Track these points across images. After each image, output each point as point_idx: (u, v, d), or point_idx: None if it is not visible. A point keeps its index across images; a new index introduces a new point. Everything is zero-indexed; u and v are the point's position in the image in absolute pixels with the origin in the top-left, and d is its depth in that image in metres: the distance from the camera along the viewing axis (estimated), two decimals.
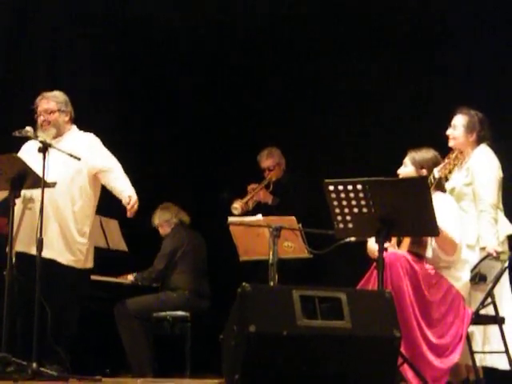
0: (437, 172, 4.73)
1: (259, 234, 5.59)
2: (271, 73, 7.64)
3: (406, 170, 4.92)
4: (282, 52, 7.57)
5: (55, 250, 5.26)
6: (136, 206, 5.38)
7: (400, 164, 5.02)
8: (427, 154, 4.91)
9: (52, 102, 5.49)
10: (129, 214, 5.42)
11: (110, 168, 5.48)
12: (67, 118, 5.53)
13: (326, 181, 4.39)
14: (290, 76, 7.56)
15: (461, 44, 6.56)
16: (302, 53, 7.48)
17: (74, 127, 5.58)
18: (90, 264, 5.48)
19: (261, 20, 7.30)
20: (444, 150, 5.16)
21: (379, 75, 7.04)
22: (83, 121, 5.67)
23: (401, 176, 4.93)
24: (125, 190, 5.42)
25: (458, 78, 6.51)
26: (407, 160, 4.95)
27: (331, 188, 4.37)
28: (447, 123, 5.43)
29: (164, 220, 6.95)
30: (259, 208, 6.77)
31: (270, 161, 6.95)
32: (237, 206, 6.72)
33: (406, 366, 4.34)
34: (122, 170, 5.50)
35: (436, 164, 4.83)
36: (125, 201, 5.39)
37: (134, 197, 5.39)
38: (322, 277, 6.60)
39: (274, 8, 7.19)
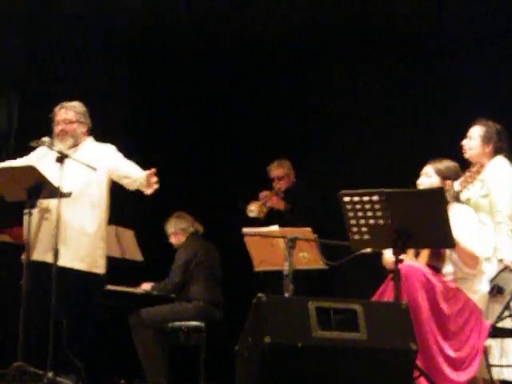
0: (457, 185, 4.69)
1: (274, 244, 5.59)
2: (284, 84, 7.66)
3: (431, 180, 4.85)
4: (293, 62, 7.58)
5: (76, 258, 5.28)
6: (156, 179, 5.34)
7: (413, 174, 4.99)
8: (451, 165, 4.86)
9: (71, 112, 5.52)
10: (152, 187, 5.33)
11: (123, 162, 5.51)
12: (84, 130, 5.57)
13: (342, 192, 4.38)
14: (302, 87, 7.57)
15: (473, 54, 6.58)
16: (313, 63, 7.50)
17: (91, 138, 5.61)
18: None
19: (274, 29, 7.31)
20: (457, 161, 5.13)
21: (391, 85, 7.08)
22: (96, 130, 5.70)
23: (423, 186, 4.86)
24: (140, 170, 5.41)
25: (471, 89, 6.52)
26: (431, 171, 4.88)
27: (347, 199, 4.35)
28: (461, 135, 5.41)
29: (180, 228, 6.93)
30: (272, 214, 6.77)
31: (279, 170, 6.98)
32: (252, 208, 6.71)
33: (422, 379, 4.30)
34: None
35: (457, 175, 4.79)
36: (143, 174, 5.33)
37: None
38: (337, 288, 6.58)
39: (287, 19, 7.20)
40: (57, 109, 5.55)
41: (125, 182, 5.47)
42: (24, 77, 6.55)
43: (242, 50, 7.53)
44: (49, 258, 5.12)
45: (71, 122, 5.51)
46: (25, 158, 5.53)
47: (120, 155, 5.55)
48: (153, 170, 5.31)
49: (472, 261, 4.61)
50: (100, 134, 5.70)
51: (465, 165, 5.02)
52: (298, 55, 7.54)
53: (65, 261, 5.11)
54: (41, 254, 5.25)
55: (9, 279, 5.67)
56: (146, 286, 6.79)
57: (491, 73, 6.46)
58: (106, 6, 6.95)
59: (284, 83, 7.67)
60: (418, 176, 4.98)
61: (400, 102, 7.10)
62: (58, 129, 5.50)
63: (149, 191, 5.34)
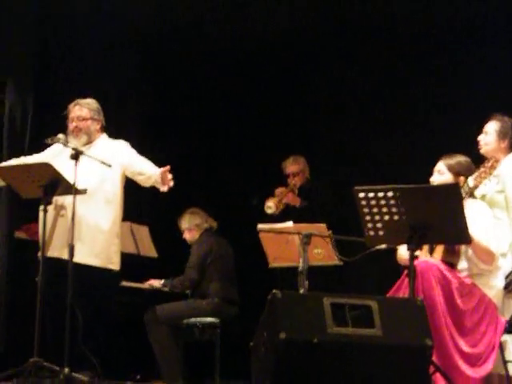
0: (472, 181, 4.67)
1: (289, 240, 5.59)
2: (298, 81, 7.66)
3: (443, 177, 4.82)
4: (307, 60, 7.59)
5: (91, 254, 5.30)
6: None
7: (426, 170, 4.99)
8: (462, 160, 4.84)
9: (85, 109, 5.55)
10: (167, 184, 5.33)
11: (137, 158, 5.52)
12: (98, 127, 5.60)
13: (357, 188, 4.37)
14: (316, 83, 7.58)
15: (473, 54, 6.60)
16: (327, 60, 7.50)
17: (104, 135, 5.64)
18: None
19: (288, 29, 7.32)
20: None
21: (405, 83, 7.08)
22: (111, 127, 5.73)
23: (436, 183, 4.84)
24: (154, 167, 5.41)
25: (472, 89, 6.54)
26: (443, 167, 4.85)
27: (361, 195, 4.35)
28: (475, 131, 5.41)
29: (195, 224, 6.93)
30: (287, 210, 6.76)
31: (295, 167, 6.96)
32: (270, 204, 6.68)
33: (438, 375, 4.30)
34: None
35: (471, 171, 4.77)
36: (158, 172, 5.33)
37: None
38: (352, 284, 6.58)
39: (298, 20, 7.22)
40: (71, 106, 5.58)
41: (139, 179, 5.48)
42: (38, 75, 6.57)
43: (251, 47, 7.55)
44: (64, 255, 5.15)
45: (85, 119, 5.53)
46: (40, 154, 5.56)
47: (133, 151, 5.57)
48: (167, 167, 5.32)
49: (488, 257, 4.60)
50: (113, 130, 5.73)
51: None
52: (312, 53, 7.54)
53: (79, 257, 5.14)
54: (56, 250, 5.28)
55: (26, 276, 5.70)
56: (155, 283, 6.80)
57: (491, 73, 6.47)
58: (118, 4, 6.98)
59: (287, 82, 7.67)
60: (426, 171, 4.99)
61: (401, 100, 7.12)
62: (72, 126, 5.52)
63: (164, 188, 5.35)
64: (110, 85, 7.20)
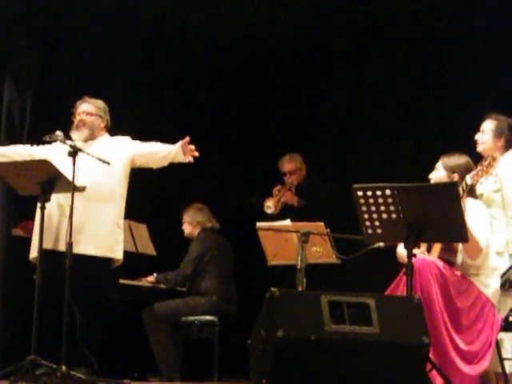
0: (469, 178, 4.68)
1: (287, 238, 5.61)
2: (297, 80, 7.66)
3: (438, 174, 4.90)
4: (307, 60, 7.59)
5: (90, 245, 5.30)
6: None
7: (428, 170, 5.01)
8: (460, 159, 4.88)
9: (92, 106, 5.62)
10: (189, 154, 5.38)
11: (145, 143, 5.58)
12: (103, 125, 5.64)
13: (355, 186, 4.38)
14: (314, 82, 7.58)
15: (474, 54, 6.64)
16: (330, 60, 7.50)
17: (107, 134, 5.66)
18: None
19: (294, 31, 7.33)
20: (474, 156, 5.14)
21: (409, 84, 7.09)
22: (117, 126, 5.74)
23: (432, 180, 4.90)
24: (170, 145, 5.46)
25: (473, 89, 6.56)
26: (439, 165, 4.93)
27: (360, 193, 4.35)
28: (477, 130, 5.43)
29: (197, 221, 6.91)
30: (285, 210, 6.76)
31: (291, 165, 6.95)
32: (270, 204, 6.69)
33: (434, 373, 4.30)
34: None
35: (468, 170, 4.78)
36: (178, 145, 5.37)
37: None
38: (350, 282, 6.59)
39: (310, 19, 7.23)
40: (78, 102, 5.65)
41: (155, 159, 5.51)
42: (37, 72, 6.56)
43: (250, 47, 7.55)
44: (63, 248, 5.14)
45: (90, 114, 5.59)
46: (39, 147, 5.54)
47: (137, 141, 5.60)
48: (187, 139, 5.35)
49: (474, 251, 4.58)
50: (112, 129, 5.74)
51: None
52: (315, 53, 7.55)
53: (80, 248, 5.15)
54: (55, 244, 5.28)
55: (23, 273, 5.70)
56: (148, 278, 6.81)
57: (492, 72, 6.49)
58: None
59: (286, 80, 7.68)
60: (427, 170, 5.02)
61: (403, 103, 7.13)
62: (76, 120, 5.57)
63: (188, 159, 5.38)
64: (110, 82, 7.20)
